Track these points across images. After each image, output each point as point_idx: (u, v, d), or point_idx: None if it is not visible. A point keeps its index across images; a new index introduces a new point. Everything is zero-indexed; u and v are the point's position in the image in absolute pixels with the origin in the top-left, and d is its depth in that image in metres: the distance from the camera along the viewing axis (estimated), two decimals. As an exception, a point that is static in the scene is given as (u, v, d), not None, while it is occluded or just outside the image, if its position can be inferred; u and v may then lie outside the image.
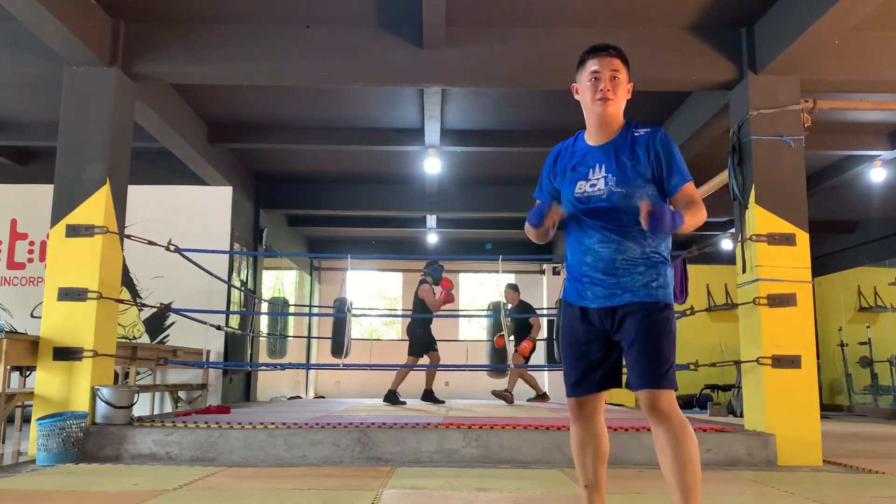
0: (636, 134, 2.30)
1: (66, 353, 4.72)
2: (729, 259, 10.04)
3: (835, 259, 11.56)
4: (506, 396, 8.66)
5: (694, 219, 2.21)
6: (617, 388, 2.32)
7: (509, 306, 8.68)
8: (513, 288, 8.78)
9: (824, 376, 11.34)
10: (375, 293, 15.31)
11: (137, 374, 7.60)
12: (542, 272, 14.84)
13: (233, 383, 8.76)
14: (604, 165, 2.29)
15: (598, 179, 2.29)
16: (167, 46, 5.26)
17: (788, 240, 4.91)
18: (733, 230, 5.37)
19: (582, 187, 2.31)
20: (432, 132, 7.39)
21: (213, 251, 7.10)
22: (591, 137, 2.39)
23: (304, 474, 3.95)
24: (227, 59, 5.28)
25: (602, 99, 2.32)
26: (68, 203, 4.92)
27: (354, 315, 8.08)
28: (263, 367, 9.75)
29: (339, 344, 8.09)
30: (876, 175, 8.26)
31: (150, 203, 8.11)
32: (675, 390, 2.15)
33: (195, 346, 7.99)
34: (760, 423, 4.76)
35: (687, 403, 10.81)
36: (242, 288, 8.97)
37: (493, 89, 6.55)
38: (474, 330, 14.83)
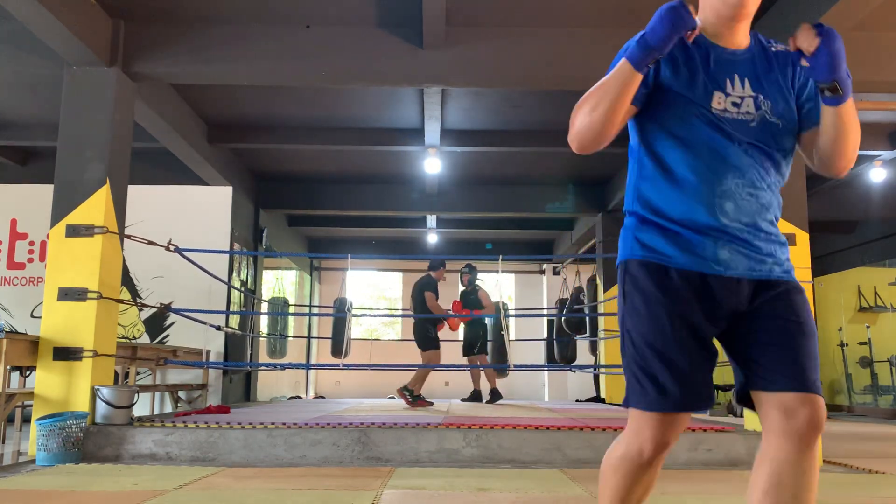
0: (774, 50, 1.64)
1: (66, 353, 4.72)
2: (729, 259, 10.05)
3: (835, 259, 11.57)
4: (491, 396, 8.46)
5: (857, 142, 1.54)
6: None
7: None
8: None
9: (824, 376, 11.33)
10: (375, 293, 15.31)
11: (137, 374, 7.60)
12: (542, 272, 14.86)
13: (233, 383, 8.76)
14: (748, 80, 1.59)
15: (742, 99, 1.57)
16: (167, 46, 5.27)
17: (788, 240, 4.90)
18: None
19: (720, 102, 1.57)
20: (432, 132, 7.39)
21: (213, 251, 7.10)
22: (719, 36, 1.62)
23: (304, 474, 3.95)
24: (227, 59, 5.28)
25: None
26: (68, 203, 4.92)
27: (354, 315, 8.07)
28: (263, 367, 9.76)
29: (338, 344, 8.11)
30: (876, 175, 8.27)
31: (150, 203, 8.11)
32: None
33: (195, 346, 7.99)
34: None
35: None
36: (242, 288, 8.97)
37: (493, 89, 6.55)
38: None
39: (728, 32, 1.61)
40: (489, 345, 9.64)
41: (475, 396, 8.61)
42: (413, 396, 7.39)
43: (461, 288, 8.61)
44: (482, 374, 8.67)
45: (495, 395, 8.42)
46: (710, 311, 1.54)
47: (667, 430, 1.54)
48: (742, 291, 1.55)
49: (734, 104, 1.57)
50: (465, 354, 8.47)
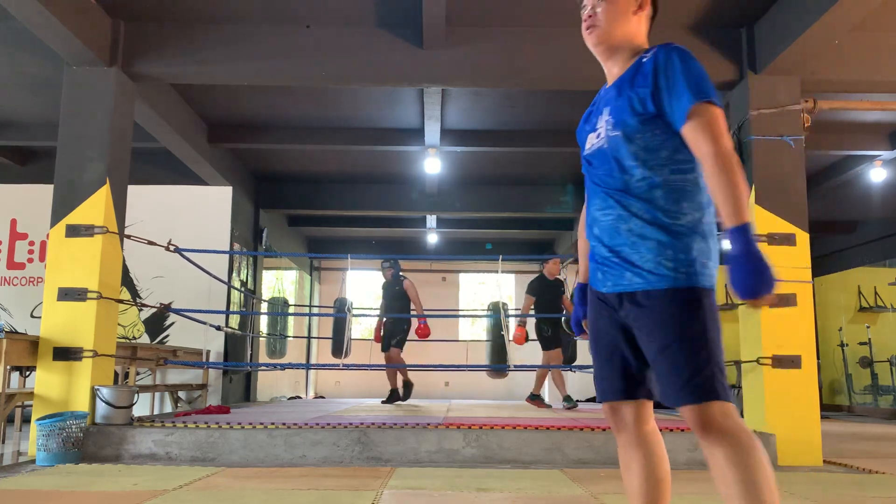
0: (643, 59, 1.77)
1: (66, 353, 4.72)
2: (729, 259, 10.05)
3: (835, 259, 11.57)
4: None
5: (727, 189, 1.55)
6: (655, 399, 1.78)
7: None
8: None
9: (824, 376, 11.34)
10: (376, 293, 15.30)
11: (137, 374, 7.60)
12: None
13: (233, 383, 8.76)
14: (609, 108, 1.78)
15: (601, 127, 1.78)
16: (167, 46, 5.26)
17: (788, 240, 4.91)
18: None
19: (591, 141, 1.82)
20: (432, 132, 7.39)
21: (213, 251, 7.10)
22: (608, 77, 1.88)
23: (304, 474, 3.95)
24: (227, 59, 5.28)
25: (587, 29, 1.88)
26: (68, 203, 4.92)
27: (354, 315, 8.05)
28: (263, 367, 9.76)
29: (339, 344, 8.09)
30: (876, 175, 8.27)
31: (150, 203, 8.11)
32: (721, 400, 1.58)
33: (195, 347, 7.99)
34: (760, 423, 4.76)
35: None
36: (242, 288, 8.97)
37: (493, 89, 6.55)
38: (475, 330, 14.82)
39: (608, 72, 1.87)
40: (488, 345, 9.63)
41: (393, 396, 7.96)
42: (532, 396, 7.66)
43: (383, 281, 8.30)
44: (396, 370, 8.02)
45: (406, 388, 7.98)
46: (608, 321, 1.78)
47: (611, 417, 1.82)
48: (615, 304, 1.74)
49: (598, 136, 1.79)
50: (383, 350, 7.90)
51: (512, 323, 8.69)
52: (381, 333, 7.93)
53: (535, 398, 7.65)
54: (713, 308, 1.66)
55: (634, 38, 1.88)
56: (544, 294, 7.47)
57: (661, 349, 1.63)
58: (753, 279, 1.50)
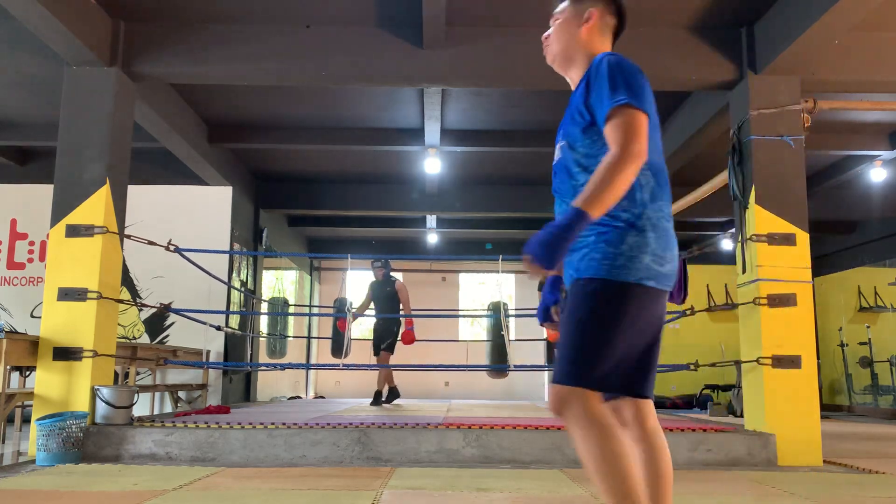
0: (588, 71, 1.85)
1: (66, 353, 4.72)
2: (729, 259, 10.04)
3: (835, 259, 11.57)
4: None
5: (599, 186, 1.63)
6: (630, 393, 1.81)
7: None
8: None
9: (824, 376, 11.34)
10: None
11: (137, 374, 7.60)
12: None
13: (233, 383, 8.76)
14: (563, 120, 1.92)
15: (558, 141, 1.93)
16: (167, 46, 5.26)
17: (788, 240, 4.91)
18: (733, 230, 5.37)
19: (556, 155, 1.95)
20: (432, 132, 7.39)
21: (213, 251, 7.10)
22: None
23: (304, 474, 3.95)
24: (227, 59, 5.28)
25: (544, 50, 2.02)
26: (68, 203, 4.92)
27: (354, 315, 8.04)
28: (263, 367, 9.76)
29: (338, 344, 8.07)
30: (876, 175, 8.27)
31: (150, 203, 8.11)
32: (584, 387, 1.67)
33: (195, 347, 7.99)
34: (760, 423, 4.76)
35: (687, 403, 10.82)
36: (242, 288, 8.97)
37: (493, 89, 6.55)
38: (475, 330, 14.83)
39: (571, 84, 1.97)
40: (489, 345, 9.62)
41: (378, 398, 7.82)
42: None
43: (372, 279, 8.23)
44: (385, 372, 7.91)
45: (391, 394, 7.88)
46: None
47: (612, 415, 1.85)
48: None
49: (557, 149, 1.92)
50: (376, 353, 7.78)
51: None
52: (370, 336, 7.80)
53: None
54: (627, 302, 1.70)
55: (588, 49, 1.94)
56: None
57: (561, 329, 1.76)
58: (538, 244, 1.60)
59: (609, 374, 1.70)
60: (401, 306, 7.86)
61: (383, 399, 7.85)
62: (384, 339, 7.71)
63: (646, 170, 1.78)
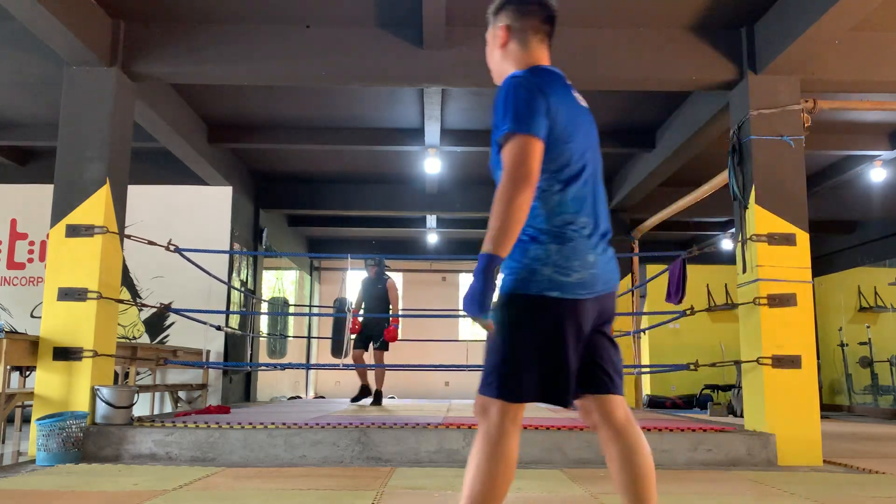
0: None
1: (66, 353, 4.72)
2: (729, 259, 10.04)
3: (835, 259, 11.57)
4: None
5: (496, 222, 1.71)
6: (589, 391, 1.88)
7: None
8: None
9: (824, 376, 11.34)
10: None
11: (137, 374, 7.60)
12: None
13: (233, 383, 8.76)
14: None
15: None
16: (167, 46, 5.26)
17: (788, 240, 4.91)
18: (733, 230, 5.37)
19: None
20: (432, 132, 7.39)
21: (213, 251, 7.10)
22: None
23: (304, 474, 3.95)
24: (227, 59, 5.28)
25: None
26: (68, 203, 4.92)
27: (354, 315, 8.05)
28: (263, 367, 9.76)
29: (338, 344, 8.06)
30: (876, 175, 8.27)
31: (150, 203, 8.11)
32: (499, 398, 1.76)
33: (195, 347, 7.99)
34: (760, 423, 4.76)
35: (687, 403, 10.82)
36: (242, 288, 8.97)
37: (493, 89, 6.53)
38: (475, 330, 14.83)
39: None
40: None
41: (364, 393, 7.75)
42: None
43: (365, 276, 8.16)
44: (367, 370, 7.85)
45: (363, 392, 7.79)
46: None
47: (581, 416, 1.97)
48: None
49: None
50: (367, 349, 7.70)
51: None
52: (360, 330, 7.69)
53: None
54: (531, 314, 1.78)
55: (503, 64, 2.02)
56: None
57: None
58: (466, 299, 1.70)
59: (525, 384, 1.76)
60: (390, 305, 7.82)
61: (366, 395, 7.76)
62: (375, 338, 7.66)
63: (553, 182, 1.84)
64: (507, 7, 2.01)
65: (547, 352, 1.77)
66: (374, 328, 7.70)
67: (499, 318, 1.78)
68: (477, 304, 1.69)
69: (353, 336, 7.73)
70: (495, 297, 1.75)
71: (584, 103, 1.99)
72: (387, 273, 8.16)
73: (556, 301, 1.78)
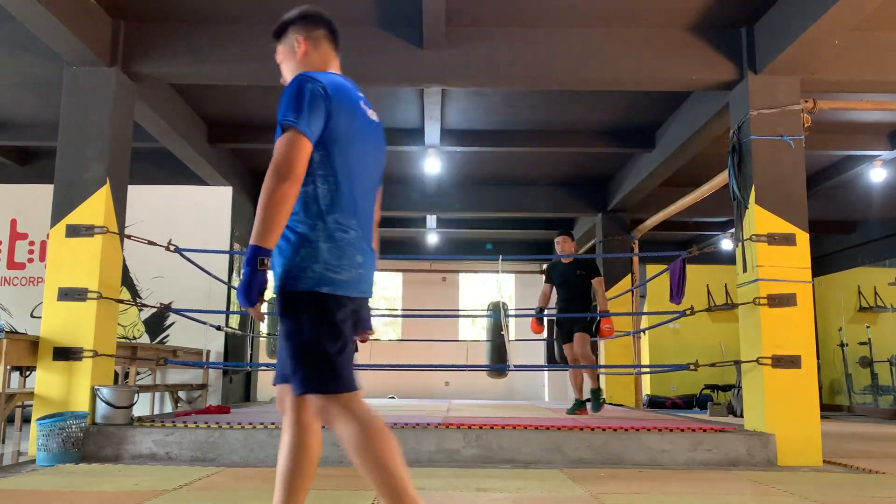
0: None
1: (66, 353, 4.72)
2: (729, 259, 10.04)
3: (835, 259, 11.57)
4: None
5: (261, 214, 1.79)
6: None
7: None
8: None
9: (824, 376, 11.34)
10: (375, 293, 15.31)
11: (137, 374, 7.60)
12: (543, 272, 14.85)
13: (233, 383, 8.76)
14: None
15: None
16: (167, 46, 5.26)
17: (788, 240, 4.91)
18: (733, 230, 5.37)
19: None
20: (432, 132, 7.39)
21: (213, 251, 7.09)
22: None
23: (304, 474, 3.95)
24: (227, 59, 5.28)
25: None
26: (68, 203, 4.93)
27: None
28: (263, 367, 9.75)
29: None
30: (876, 175, 8.27)
31: (150, 203, 8.11)
32: (316, 393, 1.86)
33: (195, 347, 7.99)
34: (760, 423, 4.76)
35: (687, 403, 10.82)
36: (242, 288, 8.95)
37: (493, 89, 6.55)
38: (475, 330, 14.83)
39: None
40: (488, 345, 9.62)
41: None
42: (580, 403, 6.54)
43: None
44: None
45: None
46: None
47: (277, 401, 2.08)
48: None
49: None
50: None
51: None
52: None
53: (582, 405, 6.35)
54: (304, 310, 1.86)
55: (301, 71, 2.17)
56: (559, 278, 6.57)
57: (279, 342, 1.93)
58: (238, 290, 1.79)
59: (326, 374, 1.85)
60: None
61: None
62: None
63: (326, 182, 1.92)
64: (298, 23, 2.25)
65: (331, 343, 1.86)
66: None
67: (281, 316, 1.90)
68: (248, 293, 1.77)
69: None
70: (271, 293, 1.88)
71: (374, 117, 2.11)
72: None
73: (327, 297, 1.87)
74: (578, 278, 6.37)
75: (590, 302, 6.39)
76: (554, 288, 6.64)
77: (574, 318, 6.31)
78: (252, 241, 1.78)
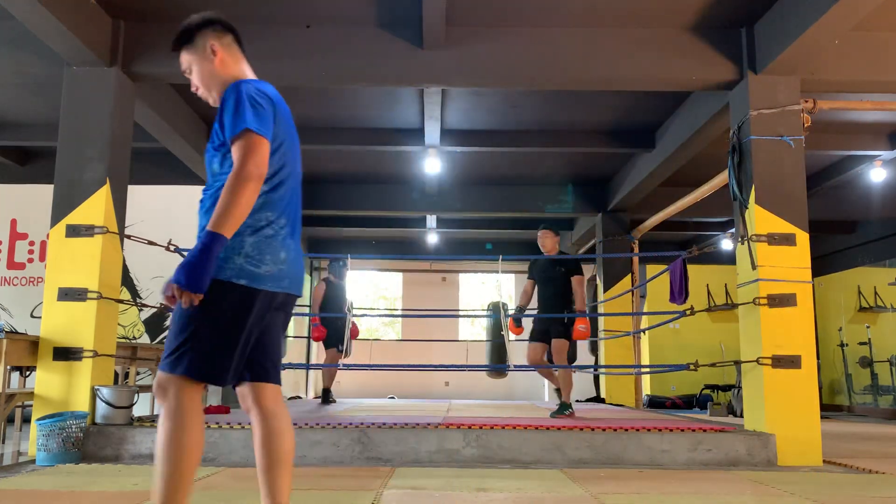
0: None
1: (66, 353, 4.72)
2: (729, 259, 10.05)
3: (835, 259, 11.57)
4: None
5: (221, 204, 1.86)
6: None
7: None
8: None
9: (824, 376, 11.34)
10: (375, 293, 15.31)
11: (137, 374, 7.60)
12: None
13: (233, 383, 8.76)
14: None
15: None
16: (167, 46, 5.24)
17: (788, 240, 4.91)
18: (733, 230, 5.37)
19: None
20: (432, 132, 7.39)
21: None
22: None
23: (304, 474, 3.95)
24: (227, 59, 5.27)
25: (196, 92, 2.25)
26: (68, 203, 4.93)
27: (354, 315, 8.05)
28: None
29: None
30: (876, 175, 8.27)
31: (150, 203, 8.11)
32: (179, 375, 1.89)
33: (195, 346, 7.98)
34: (760, 423, 4.76)
35: (687, 403, 10.82)
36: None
37: (493, 89, 6.55)
38: (475, 330, 14.83)
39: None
40: (488, 345, 9.62)
41: (327, 395, 7.83)
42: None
43: (331, 279, 8.14)
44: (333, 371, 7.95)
45: (327, 395, 7.83)
46: None
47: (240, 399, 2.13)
48: None
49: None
50: (328, 347, 7.83)
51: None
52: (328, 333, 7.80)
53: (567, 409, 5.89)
54: (219, 298, 1.90)
55: (223, 77, 2.19)
56: (539, 273, 6.39)
57: (173, 320, 1.95)
58: (188, 271, 1.79)
59: (204, 362, 1.90)
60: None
61: (331, 398, 7.80)
62: (342, 340, 7.61)
63: (264, 184, 2.00)
64: (206, 28, 2.27)
65: (223, 333, 1.91)
66: (343, 329, 7.64)
67: (203, 301, 1.89)
68: (196, 277, 1.79)
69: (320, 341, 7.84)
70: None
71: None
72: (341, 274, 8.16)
73: (242, 289, 1.93)
74: (558, 274, 6.17)
75: (570, 302, 6.13)
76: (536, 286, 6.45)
77: (550, 319, 6.05)
78: (212, 228, 1.83)
